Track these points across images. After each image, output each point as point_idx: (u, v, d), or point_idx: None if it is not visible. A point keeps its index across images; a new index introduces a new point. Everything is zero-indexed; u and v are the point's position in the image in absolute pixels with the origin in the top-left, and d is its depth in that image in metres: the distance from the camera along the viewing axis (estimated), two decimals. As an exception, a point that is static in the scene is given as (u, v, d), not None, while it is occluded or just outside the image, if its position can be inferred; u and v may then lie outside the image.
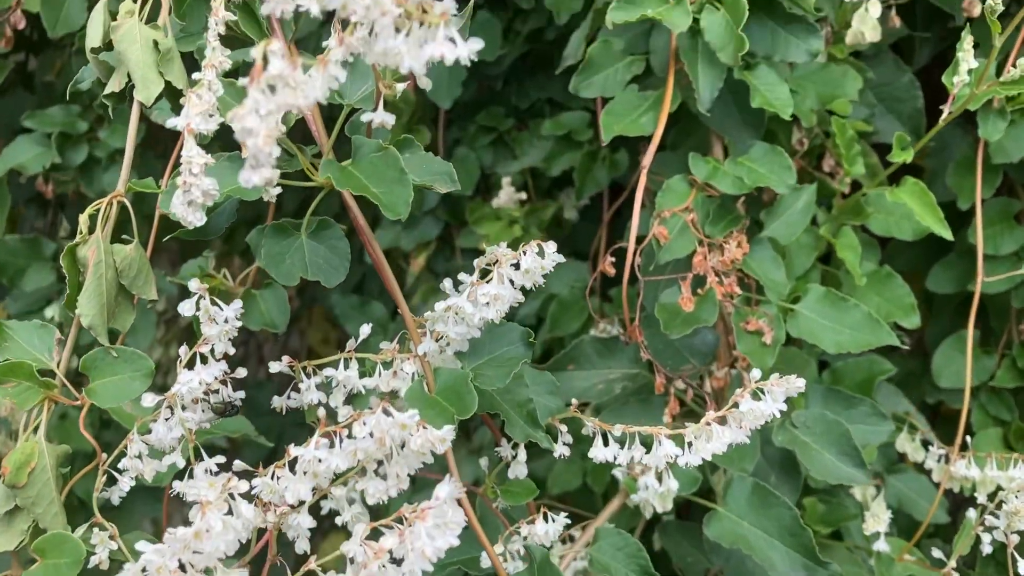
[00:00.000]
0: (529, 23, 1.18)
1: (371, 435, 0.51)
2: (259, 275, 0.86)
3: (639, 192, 0.86)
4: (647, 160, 0.86)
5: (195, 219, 0.54)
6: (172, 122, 0.54)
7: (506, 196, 1.18)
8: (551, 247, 0.61)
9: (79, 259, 0.63)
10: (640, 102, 0.91)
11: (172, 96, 0.66)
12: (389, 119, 0.54)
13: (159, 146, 1.29)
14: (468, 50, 0.45)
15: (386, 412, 0.51)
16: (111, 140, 1.25)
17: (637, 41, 0.93)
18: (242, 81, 0.44)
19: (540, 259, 0.61)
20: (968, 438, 0.98)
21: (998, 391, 1.16)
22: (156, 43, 0.65)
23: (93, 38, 0.66)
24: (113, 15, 0.67)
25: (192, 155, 0.52)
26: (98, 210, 0.64)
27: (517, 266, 0.61)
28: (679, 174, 0.91)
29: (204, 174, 0.53)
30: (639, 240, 0.87)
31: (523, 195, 1.21)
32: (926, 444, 1.05)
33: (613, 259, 0.89)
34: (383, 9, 0.43)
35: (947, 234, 0.94)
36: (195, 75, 0.56)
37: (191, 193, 0.53)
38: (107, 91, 0.66)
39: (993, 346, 1.17)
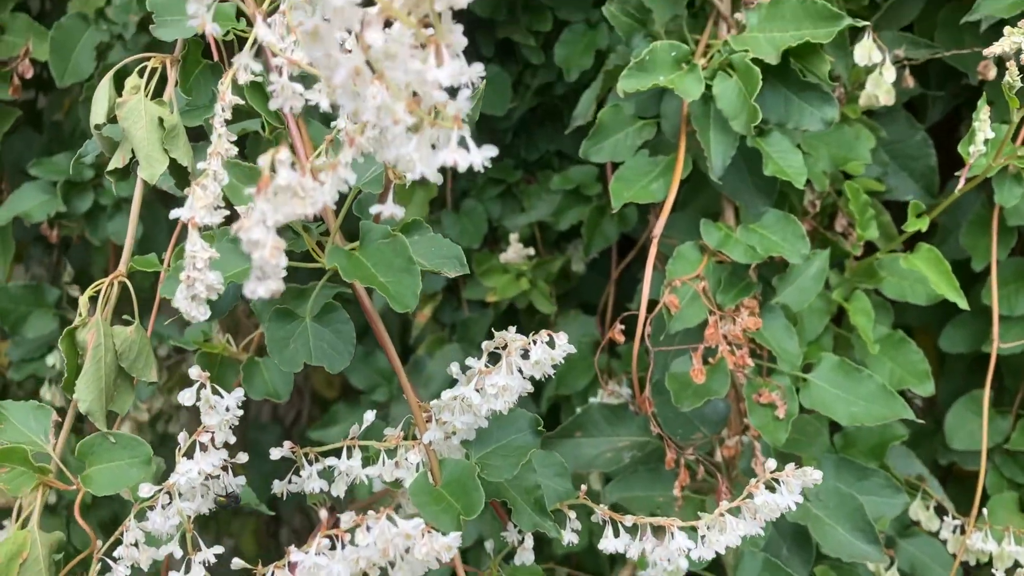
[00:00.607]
0: (539, 78, 1.17)
1: (375, 543, 0.49)
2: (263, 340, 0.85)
3: (650, 260, 0.84)
4: (658, 229, 0.84)
5: (199, 314, 0.52)
6: (176, 213, 0.53)
7: (514, 252, 1.16)
8: (562, 338, 0.60)
9: (78, 342, 0.62)
10: (651, 168, 0.90)
11: (176, 173, 0.65)
12: (399, 212, 0.53)
13: (168, 196, 1.28)
14: (482, 157, 0.44)
15: (391, 520, 0.50)
16: (117, 188, 1.23)
17: (648, 105, 0.92)
18: (251, 189, 0.43)
19: (551, 350, 0.59)
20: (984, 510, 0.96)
21: (1013, 453, 1.14)
22: (161, 120, 0.64)
23: (98, 114, 0.65)
24: (119, 88, 0.67)
25: (196, 250, 0.51)
26: (98, 291, 0.62)
27: (527, 354, 0.60)
28: (690, 241, 0.89)
29: (208, 268, 0.52)
30: (650, 306, 0.85)
31: (531, 251, 1.20)
32: (940, 512, 1.03)
33: (623, 326, 0.87)
34: (395, 117, 0.42)
35: (963, 303, 0.92)
36: (200, 164, 0.55)
37: (195, 288, 0.52)
38: (111, 167, 0.65)
39: (1007, 406, 1.15)
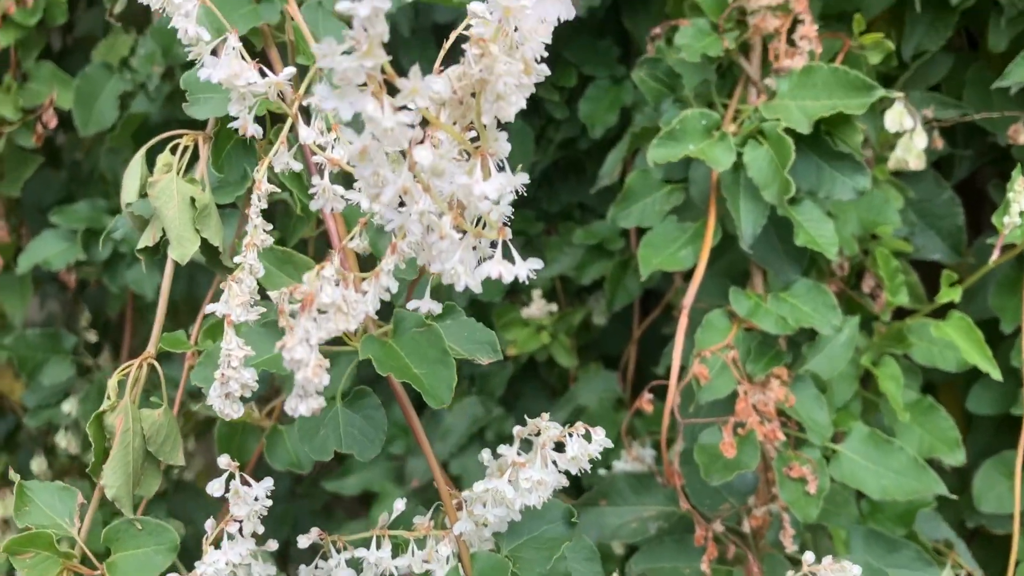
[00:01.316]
0: (562, 132, 1.17)
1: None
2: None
3: (680, 330, 0.83)
4: (688, 299, 0.83)
5: (233, 411, 0.52)
6: (212, 308, 0.52)
7: (536, 308, 1.16)
8: (599, 433, 0.58)
9: (106, 426, 0.61)
10: (679, 233, 0.89)
11: (207, 252, 0.65)
12: (436, 308, 0.52)
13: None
14: (527, 269, 0.43)
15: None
16: (146, 266, 1.23)
17: (676, 169, 0.91)
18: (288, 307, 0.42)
19: (587, 444, 0.58)
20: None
21: (1045, 518, 1.11)
22: (193, 200, 0.63)
23: (128, 192, 0.64)
24: (150, 164, 0.66)
25: (232, 348, 0.50)
26: (126, 374, 0.62)
27: (561, 447, 0.59)
28: (718, 308, 0.88)
29: (243, 366, 0.51)
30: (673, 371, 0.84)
31: (554, 306, 1.19)
32: (970, 582, 1.01)
33: (651, 395, 0.86)
34: (442, 233, 0.41)
35: (996, 373, 0.91)
36: (236, 259, 0.54)
37: (229, 386, 0.51)
38: (141, 245, 0.65)
39: (1036, 469, 1.13)
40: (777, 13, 0.88)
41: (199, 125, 0.71)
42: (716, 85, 0.93)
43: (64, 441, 1.30)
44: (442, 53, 0.44)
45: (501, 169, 0.44)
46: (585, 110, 1.11)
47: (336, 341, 0.62)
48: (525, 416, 0.61)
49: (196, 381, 0.58)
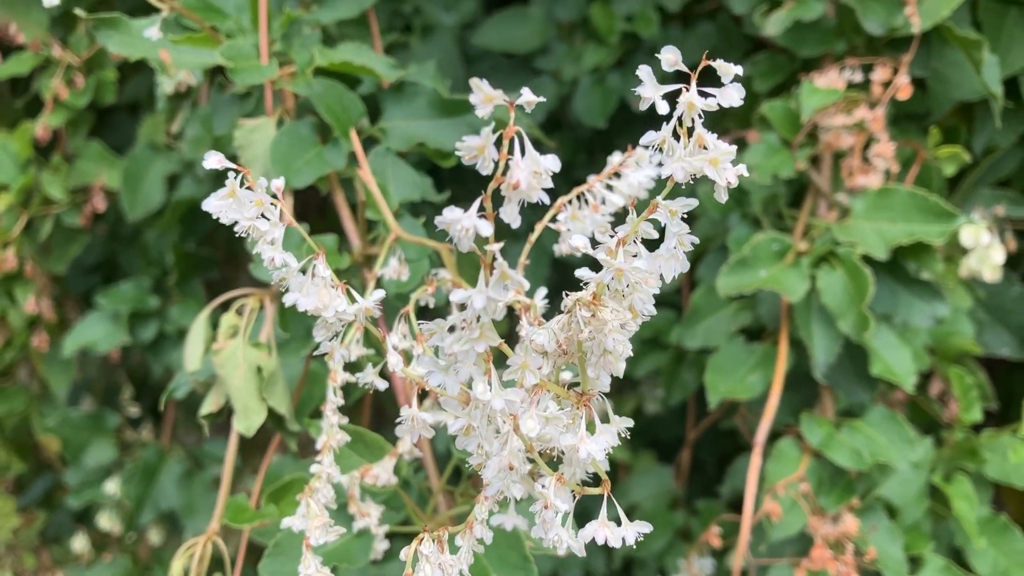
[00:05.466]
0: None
1: None
2: None
3: (753, 467, 0.80)
4: (761, 436, 0.80)
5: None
6: (288, 523, 0.50)
7: (589, 406, 1.12)
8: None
9: (172, 611, 0.59)
10: (747, 356, 0.86)
11: (273, 420, 0.62)
12: (522, 523, 0.49)
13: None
14: (634, 532, 0.40)
15: None
16: (181, 319, 1.22)
17: (744, 286, 0.88)
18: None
19: None
20: None
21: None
22: (259, 368, 0.61)
23: (192, 359, 0.62)
24: (213, 325, 0.64)
25: (311, 573, 0.47)
26: (191, 554, 0.59)
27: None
28: (789, 438, 0.85)
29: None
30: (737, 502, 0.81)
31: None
32: None
33: (719, 529, 0.83)
34: (547, 503, 0.39)
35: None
36: (312, 467, 0.51)
37: (307, 608, 0.48)
38: (204, 411, 0.63)
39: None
40: (852, 130, 0.84)
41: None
42: (785, 196, 0.90)
43: (107, 522, 1.29)
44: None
45: (604, 418, 0.41)
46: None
47: (406, 521, 0.60)
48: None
49: (265, 574, 0.56)
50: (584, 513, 0.43)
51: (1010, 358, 1.05)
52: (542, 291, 0.51)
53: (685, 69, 0.37)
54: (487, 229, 0.33)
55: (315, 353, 0.44)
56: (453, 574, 0.39)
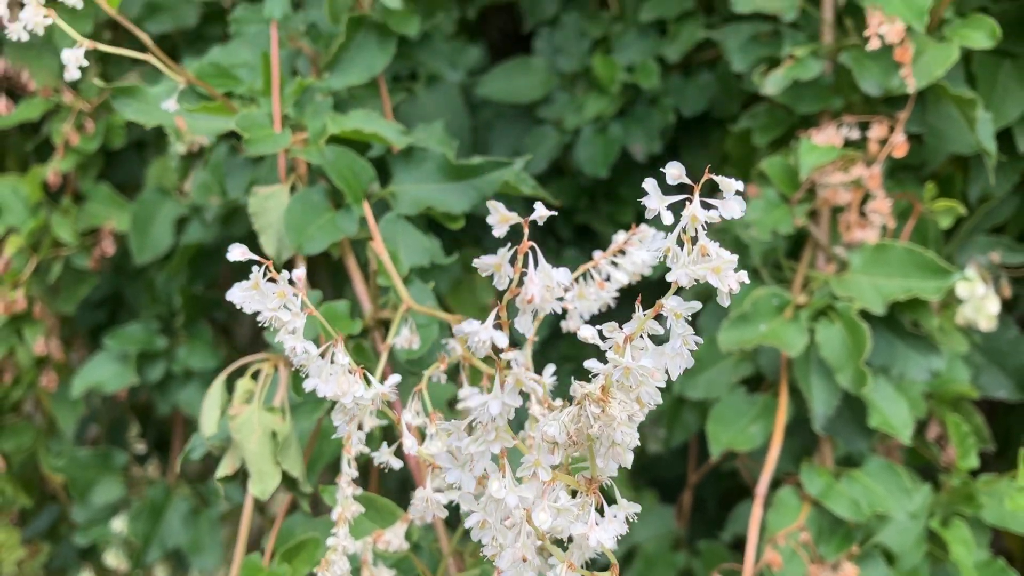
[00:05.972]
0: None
1: None
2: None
3: (754, 519, 0.82)
4: (762, 487, 0.82)
5: None
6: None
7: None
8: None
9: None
10: (749, 407, 0.88)
11: (287, 482, 0.64)
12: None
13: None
14: None
15: None
16: (189, 360, 1.24)
17: (744, 337, 0.90)
18: None
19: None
20: None
21: None
22: (274, 432, 0.63)
23: (208, 424, 0.64)
24: (229, 389, 0.66)
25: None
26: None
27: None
28: (789, 487, 0.87)
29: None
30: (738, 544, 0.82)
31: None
32: None
33: (719, 577, 0.85)
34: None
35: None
36: (329, 540, 0.53)
37: None
38: (219, 474, 0.64)
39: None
40: (849, 187, 0.86)
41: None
42: (784, 247, 0.92)
43: (114, 559, 1.30)
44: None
45: (612, 501, 0.43)
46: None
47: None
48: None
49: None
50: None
51: (1007, 400, 1.07)
52: (550, 368, 0.53)
53: (688, 181, 0.39)
54: (503, 340, 0.35)
55: (334, 436, 0.45)
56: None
